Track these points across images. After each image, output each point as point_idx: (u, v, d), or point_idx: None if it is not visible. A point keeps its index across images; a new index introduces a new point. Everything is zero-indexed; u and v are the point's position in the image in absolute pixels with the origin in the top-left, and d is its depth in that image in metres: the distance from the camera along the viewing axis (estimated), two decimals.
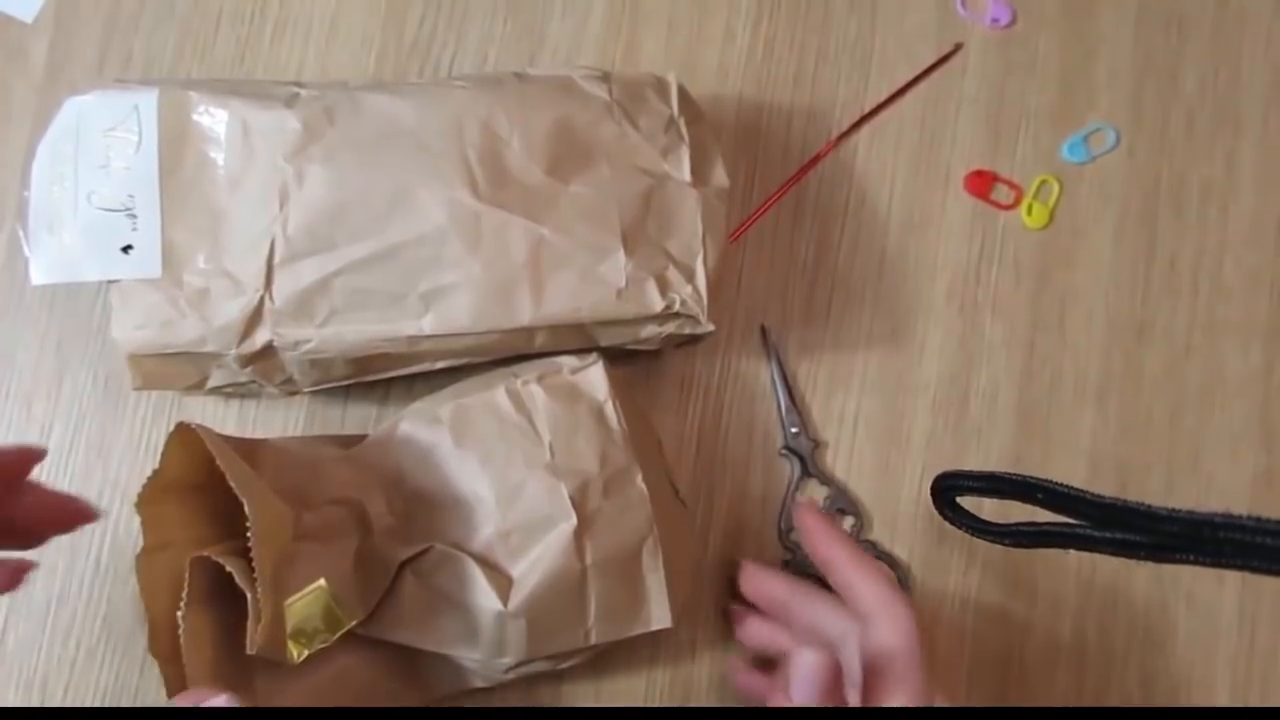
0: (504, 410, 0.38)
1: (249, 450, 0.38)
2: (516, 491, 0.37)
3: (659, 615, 0.38)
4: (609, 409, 0.38)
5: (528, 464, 0.37)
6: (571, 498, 0.36)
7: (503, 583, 0.36)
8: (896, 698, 0.34)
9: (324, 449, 0.40)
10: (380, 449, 0.39)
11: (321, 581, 0.36)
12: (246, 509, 0.33)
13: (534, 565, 0.36)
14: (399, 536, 0.38)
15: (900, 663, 0.35)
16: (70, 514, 0.34)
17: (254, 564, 0.33)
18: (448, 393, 0.40)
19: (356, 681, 0.38)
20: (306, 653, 0.35)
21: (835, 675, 0.33)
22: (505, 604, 0.35)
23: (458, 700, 0.42)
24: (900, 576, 0.45)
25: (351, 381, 0.42)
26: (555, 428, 0.38)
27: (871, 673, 0.35)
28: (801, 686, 0.33)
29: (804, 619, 0.39)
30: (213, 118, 0.39)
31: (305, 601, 0.36)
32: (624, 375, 0.42)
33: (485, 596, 0.36)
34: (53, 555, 0.43)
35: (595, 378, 0.39)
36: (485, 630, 0.36)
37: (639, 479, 0.38)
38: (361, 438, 0.41)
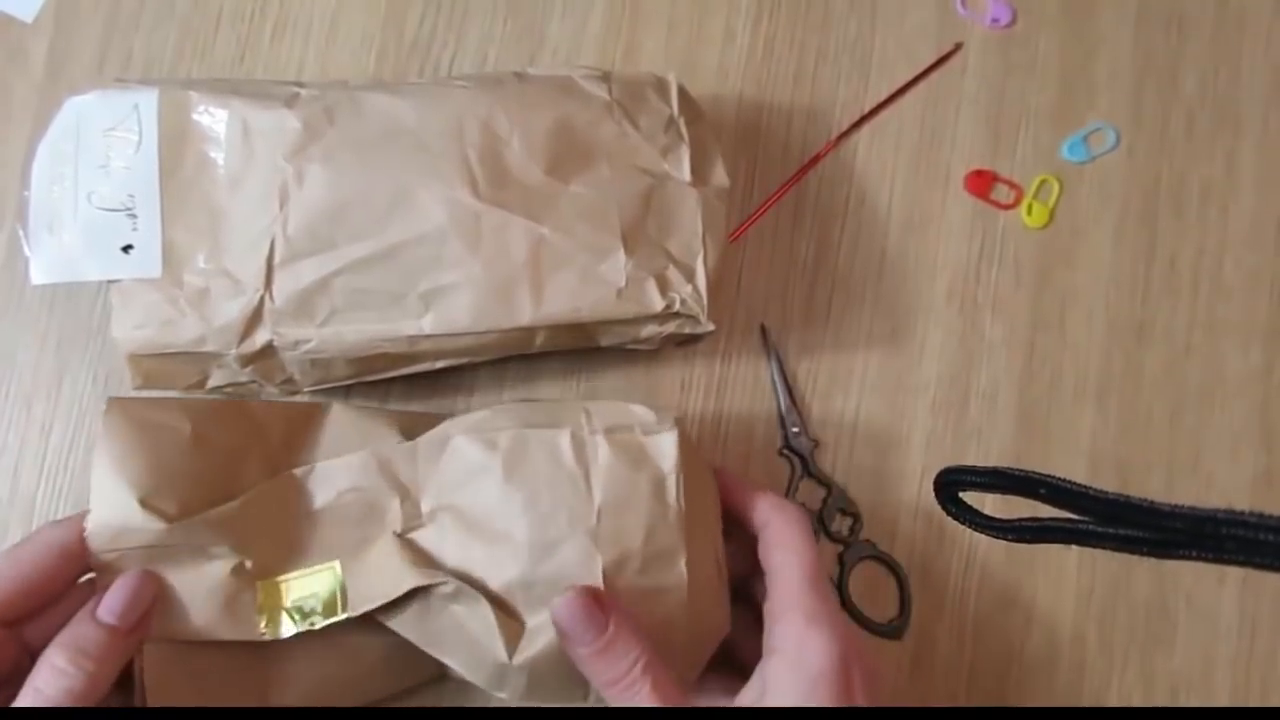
0: (563, 456, 0.36)
1: (303, 415, 0.39)
2: (552, 548, 0.35)
3: None
4: (670, 483, 0.36)
5: (570, 522, 0.35)
6: (605, 570, 0.35)
7: (514, 628, 0.35)
8: (789, 567, 0.36)
9: (383, 428, 0.39)
10: (429, 450, 0.38)
11: (336, 564, 0.36)
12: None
13: (549, 624, 0.35)
14: (418, 545, 0.37)
15: (792, 542, 0.37)
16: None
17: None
18: (516, 412, 0.38)
19: (370, 655, 0.38)
20: (295, 630, 0.35)
21: (590, 600, 0.34)
22: (511, 657, 0.35)
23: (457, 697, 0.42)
24: (899, 577, 0.45)
25: (352, 381, 0.42)
26: (609, 491, 0.36)
27: (770, 564, 0.37)
28: (562, 625, 0.34)
29: (732, 505, 0.40)
30: (213, 117, 0.39)
31: (314, 578, 0.36)
32: (694, 438, 0.39)
33: (493, 642, 0.35)
34: None
35: (666, 446, 0.36)
36: (487, 668, 0.36)
37: (681, 562, 0.36)
38: (434, 418, 0.40)
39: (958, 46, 0.50)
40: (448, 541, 0.36)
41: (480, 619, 0.35)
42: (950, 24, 0.50)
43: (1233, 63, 0.51)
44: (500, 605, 0.35)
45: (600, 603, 0.34)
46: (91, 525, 0.34)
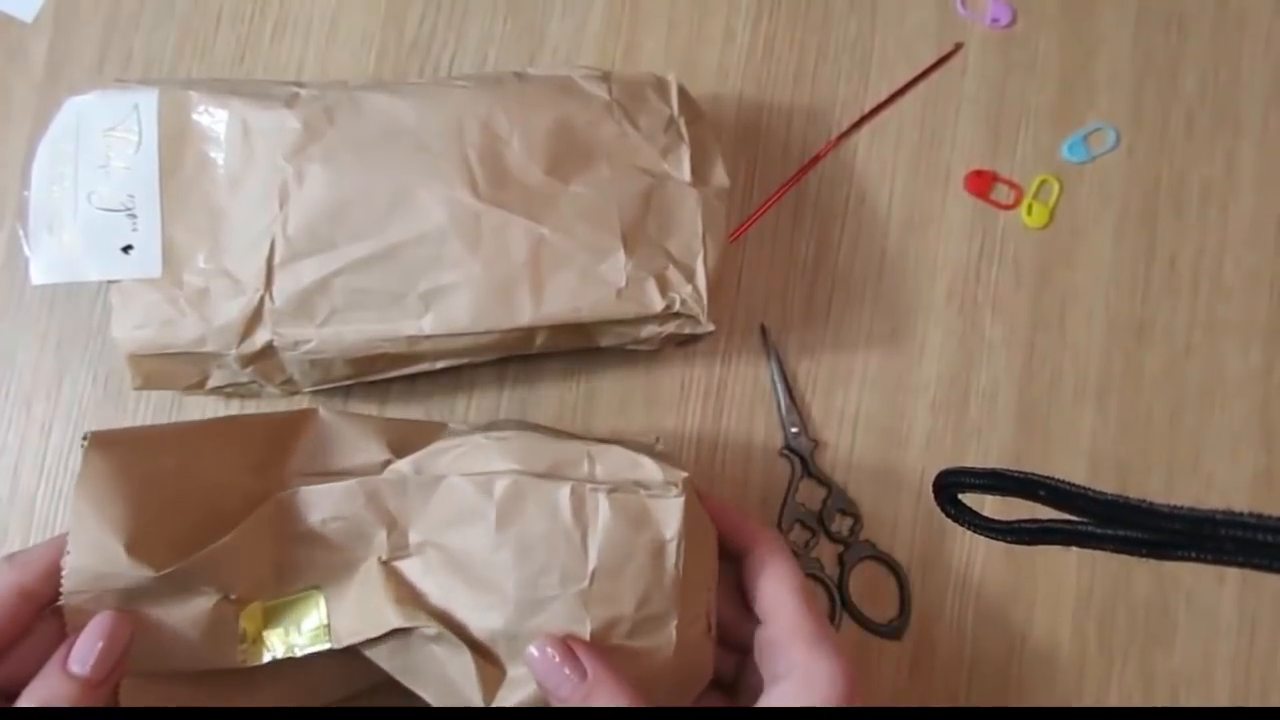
0: (560, 512, 0.34)
1: (288, 424, 0.37)
2: (540, 605, 0.34)
3: None
4: (671, 549, 0.35)
5: (562, 582, 0.34)
6: (593, 632, 0.34)
7: (495, 676, 0.35)
8: (784, 595, 0.36)
9: (371, 441, 0.38)
10: (420, 487, 0.37)
11: (319, 594, 0.36)
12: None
13: (529, 679, 0.34)
14: (402, 576, 0.36)
15: (783, 569, 0.37)
16: None
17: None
18: (514, 447, 0.37)
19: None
20: (274, 657, 0.35)
21: (564, 647, 0.34)
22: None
23: None
24: (899, 577, 0.45)
25: (352, 381, 0.42)
26: (606, 554, 0.34)
27: (763, 591, 0.37)
28: (535, 673, 0.34)
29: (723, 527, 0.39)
30: (213, 117, 0.39)
31: (297, 606, 0.35)
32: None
33: (472, 691, 0.34)
34: None
35: (671, 512, 0.35)
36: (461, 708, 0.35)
37: (672, 626, 0.35)
38: (427, 430, 0.39)
39: (958, 46, 0.50)
40: (432, 577, 0.35)
41: (460, 665, 0.34)
42: (950, 24, 0.50)
43: (1233, 63, 0.51)
44: (482, 652, 0.35)
45: (577, 650, 0.33)
46: (70, 568, 0.32)
